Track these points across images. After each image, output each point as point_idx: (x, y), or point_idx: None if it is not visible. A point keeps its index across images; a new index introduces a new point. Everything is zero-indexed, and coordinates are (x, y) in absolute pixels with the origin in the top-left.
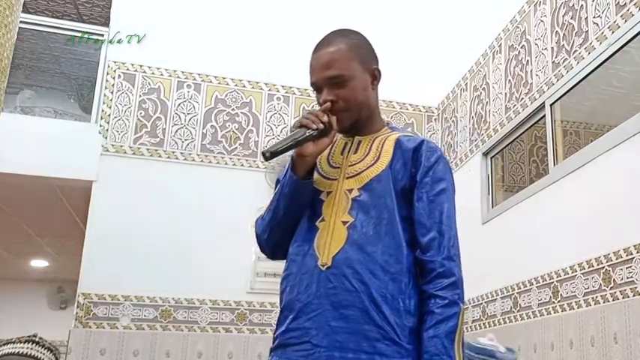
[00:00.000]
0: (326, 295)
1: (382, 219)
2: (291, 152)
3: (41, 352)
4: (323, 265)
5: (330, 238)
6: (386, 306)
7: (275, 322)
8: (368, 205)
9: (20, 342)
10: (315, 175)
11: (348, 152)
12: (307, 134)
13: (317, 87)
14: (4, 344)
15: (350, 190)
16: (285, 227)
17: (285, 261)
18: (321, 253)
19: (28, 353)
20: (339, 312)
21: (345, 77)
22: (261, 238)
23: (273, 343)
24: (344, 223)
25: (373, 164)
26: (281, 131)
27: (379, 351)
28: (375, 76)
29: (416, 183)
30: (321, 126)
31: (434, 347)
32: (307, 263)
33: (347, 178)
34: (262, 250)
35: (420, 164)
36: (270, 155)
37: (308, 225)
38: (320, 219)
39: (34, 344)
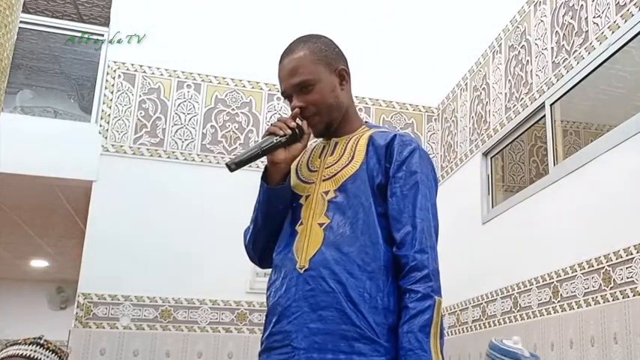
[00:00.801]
0: (304, 297)
1: (358, 218)
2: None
3: (45, 355)
4: (301, 268)
5: (307, 240)
6: (364, 305)
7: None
8: (344, 206)
9: (25, 344)
10: (295, 181)
11: (325, 155)
12: (275, 141)
13: (286, 95)
14: (10, 345)
15: (326, 192)
16: (267, 235)
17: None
18: (299, 256)
19: (32, 356)
20: (317, 313)
21: (310, 82)
22: (248, 249)
23: (261, 346)
24: (320, 225)
25: (348, 164)
26: None
27: (357, 350)
28: (343, 77)
29: (389, 178)
30: (289, 132)
31: (408, 342)
32: (287, 267)
33: (324, 180)
34: (251, 259)
35: (392, 159)
36: (235, 166)
37: (289, 230)
38: (299, 223)
39: (38, 347)
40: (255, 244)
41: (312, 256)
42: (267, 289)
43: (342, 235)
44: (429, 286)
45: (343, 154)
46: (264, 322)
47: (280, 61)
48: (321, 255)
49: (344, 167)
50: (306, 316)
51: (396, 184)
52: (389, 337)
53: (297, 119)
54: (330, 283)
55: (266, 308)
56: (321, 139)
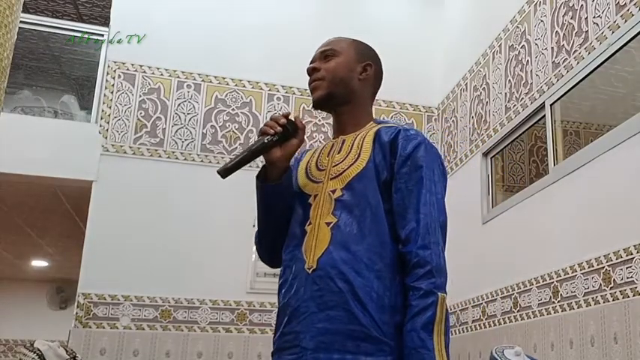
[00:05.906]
0: (312, 297)
1: (366, 217)
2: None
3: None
4: (309, 268)
5: (315, 240)
6: (372, 304)
7: (275, 322)
8: (351, 204)
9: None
10: (305, 180)
11: (333, 153)
12: (266, 141)
13: (311, 62)
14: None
15: (333, 191)
16: (273, 235)
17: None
18: (307, 256)
19: None
20: (324, 313)
21: (333, 52)
22: (258, 250)
23: (273, 346)
24: (327, 224)
25: (354, 162)
26: None
27: (364, 350)
28: (366, 70)
29: (394, 174)
30: (279, 129)
31: (411, 341)
32: (297, 267)
33: (331, 179)
34: (262, 259)
35: (397, 155)
36: (225, 173)
37: (299, 230)
38: (308, 222)
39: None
40: (263, 244)
41: (319, 256)
42: (278, 289)
43: (350, 234)
44: (431, 282)
45: (350, 152)
46: (275, 322)
47: None
48: (328, 255)
49: (350, 165)
50: (314, 316)
51: (400, 180)
52: (395, 335)
53: (290, 116)
54: (337, 283)
55: (265, 308)
56: (327, 140)
